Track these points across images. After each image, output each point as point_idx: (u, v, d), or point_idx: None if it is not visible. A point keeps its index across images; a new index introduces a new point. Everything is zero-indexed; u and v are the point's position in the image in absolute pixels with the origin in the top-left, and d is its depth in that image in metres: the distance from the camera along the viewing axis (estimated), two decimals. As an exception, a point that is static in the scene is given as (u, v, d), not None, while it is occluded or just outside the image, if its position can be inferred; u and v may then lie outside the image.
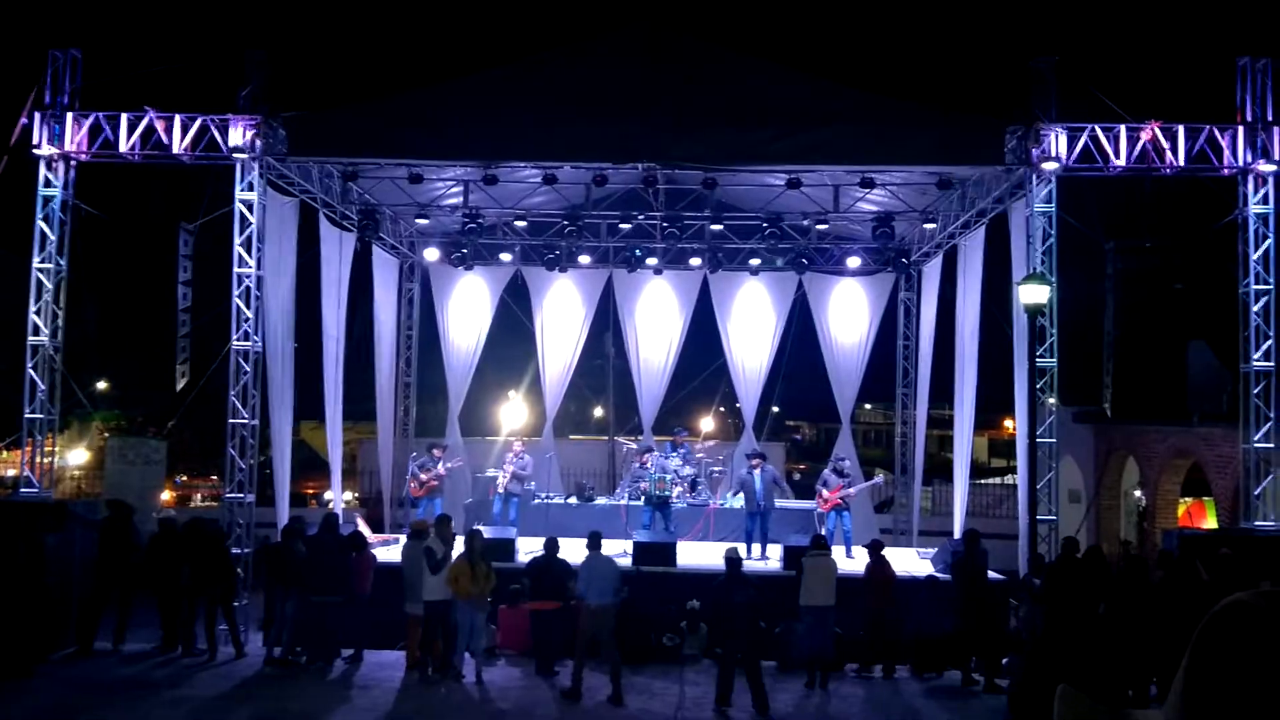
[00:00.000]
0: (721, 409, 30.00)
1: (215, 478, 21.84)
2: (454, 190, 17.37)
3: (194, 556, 12.65)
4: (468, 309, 20.79)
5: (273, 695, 10.97)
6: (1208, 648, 0.91)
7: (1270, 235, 13.69)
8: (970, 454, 17.71)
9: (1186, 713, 0.92)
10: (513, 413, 22.67)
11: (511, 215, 17.83)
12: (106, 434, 20.13)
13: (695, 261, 19.41)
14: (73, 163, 14.64)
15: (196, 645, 12.58)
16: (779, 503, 16.94)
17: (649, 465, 17.14)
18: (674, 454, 18.47)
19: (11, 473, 22.37)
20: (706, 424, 26.85)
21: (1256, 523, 13.46)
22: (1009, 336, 14.70)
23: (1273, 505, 13.75)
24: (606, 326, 21.62)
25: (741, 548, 13.44)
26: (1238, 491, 14.57)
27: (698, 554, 15.31)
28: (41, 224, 14.60)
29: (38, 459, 14.46)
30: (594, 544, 11.78)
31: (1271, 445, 13.68)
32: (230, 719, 10.20)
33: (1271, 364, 13.69)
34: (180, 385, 14.99)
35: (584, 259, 19.51)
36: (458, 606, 11.61)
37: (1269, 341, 13.66)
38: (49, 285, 14.58)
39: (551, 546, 12.37)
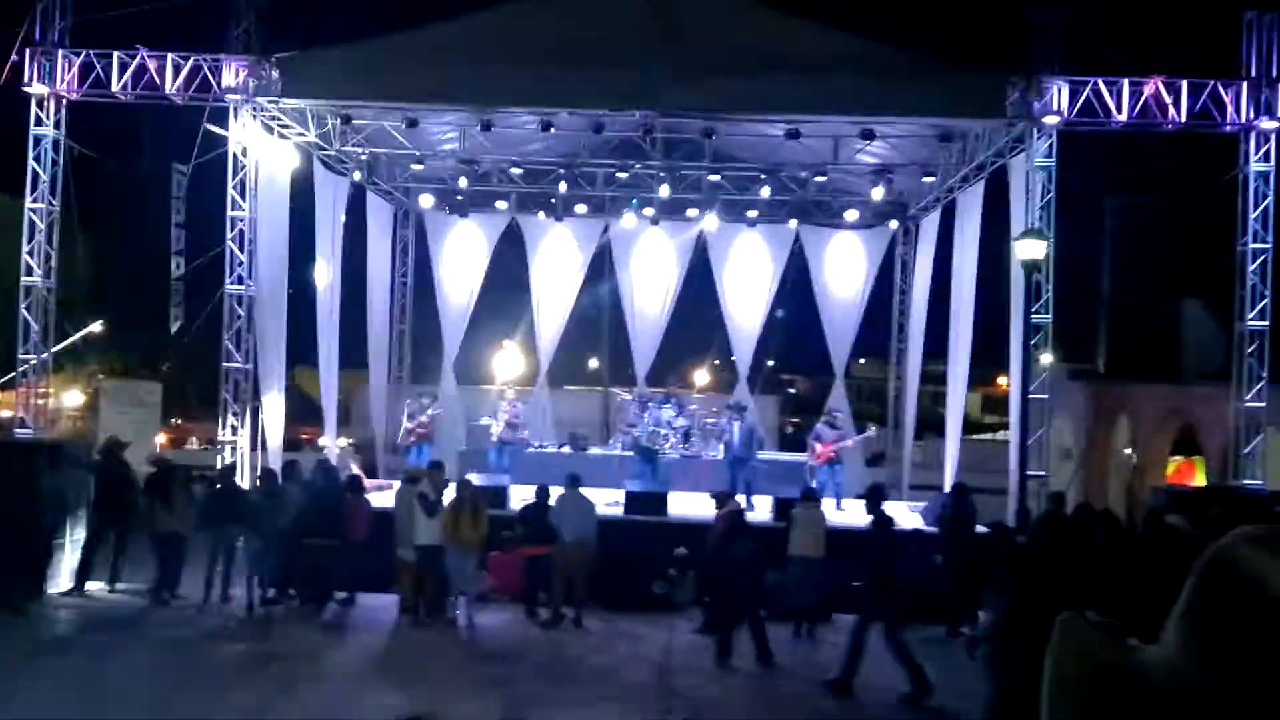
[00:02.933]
0: (716, 361, 30.04)
1: (210, 421, 21.90)
2: (450, 136, 17.20)
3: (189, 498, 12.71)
4: (462, 257, 20.68)
5: (266, 636, 11.09)
6: (1213, 580, 0.91)
7: (1270, 194, 13.63)
8: (963, 409, 17.77)
9: (1189, 646, 0.91)
10: (507, 362, 22.66)
11: (507, 162, 17.67)
12: (100, 376, 20.13)
13: (692, 212, 19.30)
14: (64, 101, 14.48)
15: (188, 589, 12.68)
16: (771, 455, 17.02)
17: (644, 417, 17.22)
18: (667, 405, 18.53)
19: (6, 414, 22.38)
20: (701, 376, 26.91)
21: (1245, 481, 13.57)
22: (1005, 292, 14.69)
23: (1262, 465, 13.86)
24: (602, 276, 21.54)
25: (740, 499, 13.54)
26: (1228, 450, 14.66)
27: (690, 504, 15.41)
28: (33, 163, 14.48)
29: (32, 400, 14.48)
30: (571, 484, 12.16)
31: (1263, 405, 13.75)
32: (223, 658, 10.32)
33: (1266, 323, 13.71)
34: (175, 328, 14.97)
35: (580, 208, 19.39)
36: (449, 552, 11.72)
37: (1265, 300, 13.67)
38: (41, 225, 14.50)
39: (543, 494, 12.48)
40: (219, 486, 13.09)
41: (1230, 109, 13.44)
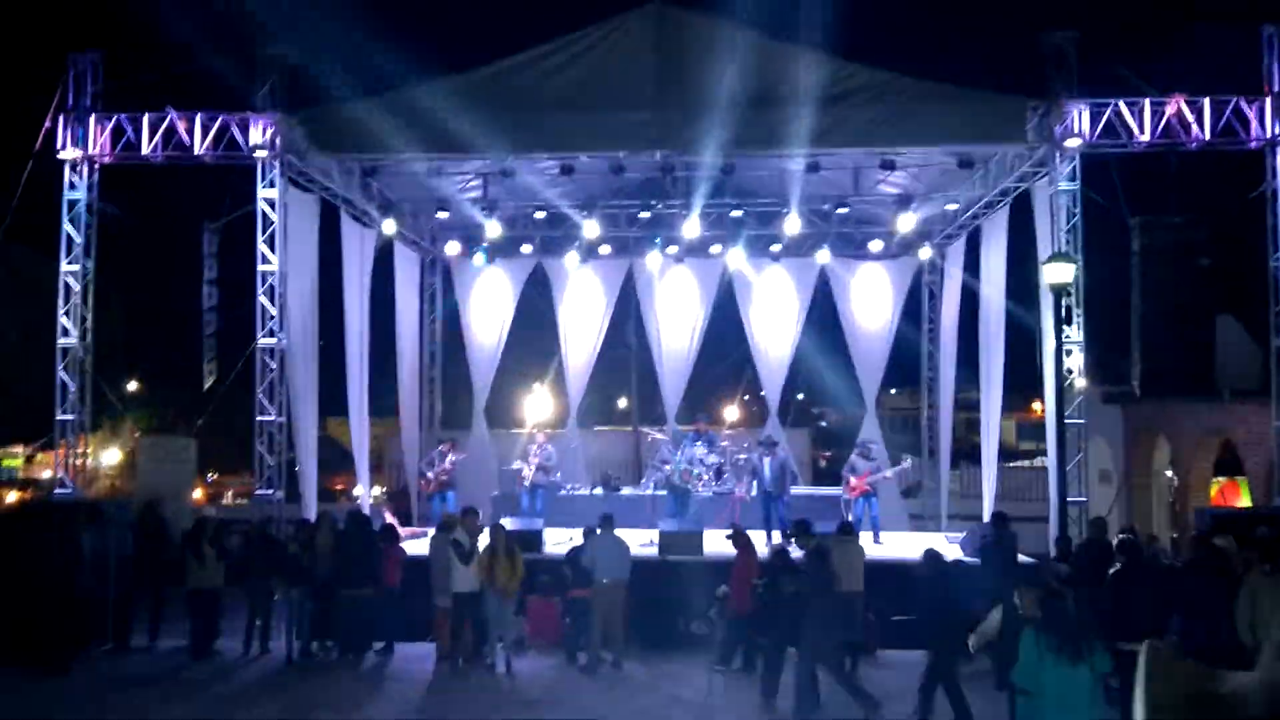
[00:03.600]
0: (745, 397, 29.97)
1: (244, 475, 22.06)
2: (473, 183, 17.40)
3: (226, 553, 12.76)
4: (490, 302, 20.85)
5: (305, 689, 11.07)
6: None
7: (1300, 207, 13.48)
8: (998, 436, 17.59)
9: None
10: (537, 404, 22.72)
11: (531, 207, 17.83)
12: (138, 433, 20.39)
13: (716, 248, 19.34)
14: (96, 165, 14.79)
15: (227, 642, 12.70)
16: (804, 490, 16.88)
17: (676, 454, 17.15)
18: (698, 442, 18.45)
19: (47, 474, 22.72)
20: (731, 412, 26.83)
21: (1291, 500, 13.29)
22: (1035, 317, 14.56)
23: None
24: (628, 316, 21.61)
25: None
26: (1271, 469, 14.37)
27: (725, 543, 15.28)
28: (68, 227, 14.78)
29: (71, 460, 14.66)
30: (604, 525, 12.08)
31: (1305, 421, 13.50)
32: (263, 713, 10.30)
33: (1303, 339, 13.50)
34: (208, 383, 15.14)
35: (604, 249, 19.50)
36: (486, 598, 11.68)
37: (1300, 315, 13.47)
38: (76, 288, 14.76)
39: (591, 536, 12.45)
40: (253, 539, 13.15)
41: (1254, 124, 13.34)
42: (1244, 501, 18.65)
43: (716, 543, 14.94)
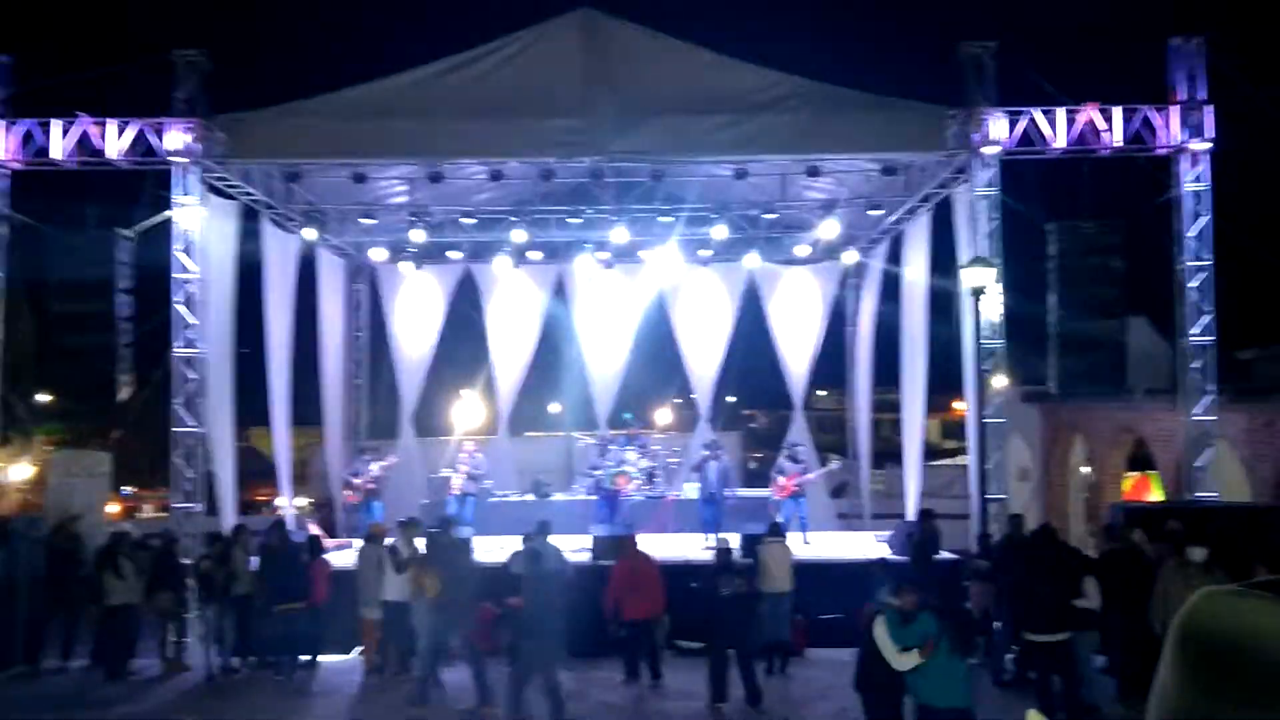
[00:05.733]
0: (677, 400, 30.08)
1: (163, 489, 21.48)
2: (399, 189, 17.19)
3: (142, 570, 12.41)
4: (417, 308, 20.60)
5: (232, 705, 10.81)
6: (1189, 647, 0.85)
7: (1206, 212, 14.00)
8: (922, 436, 17.93)
9: None
10: (467, 411, 22.51)
11: (459, 212, 17.68)
12: (49, 447, 19.71)
13: (646, 254, 19.39)
14: (5, 171, 14.28)
15: (142, 661, 12.35)
16: (736, 492, 17.01)
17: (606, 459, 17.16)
18: (629, 447, 18.48)
19: (-48, 490, 21.73)
20: (662, 416, 26.92)
21: (1199, 494, 13.78)
22: (956, 319, 14.89)
23: (1215, 477, 14.10)
24: (559, 322, 21.54)
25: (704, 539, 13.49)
26: (1180, 464, 14.90)
27: (657, 546, 15.31)
28: (-26, 235, 14.22)
29: (-23, 475, 14.08)
30: (540, 531, 12.05)
31: (1213, 418, 14.01)
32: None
33: (1210, 339, 14.01)
34: (123, 395, 14.68)
35: (534, 254, 19.42)
36: (415, 608, 11.53)
37: (1207, 316, 13.98)
38: (-16, 297, 14.21)
39: (528, 542, 12.36)
40: (168, 553, 12.81)
41: (1162, 132, 13.82)
42: (1156, 496, 19.30)
43: (649, 546, 14.98)
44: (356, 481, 16.79)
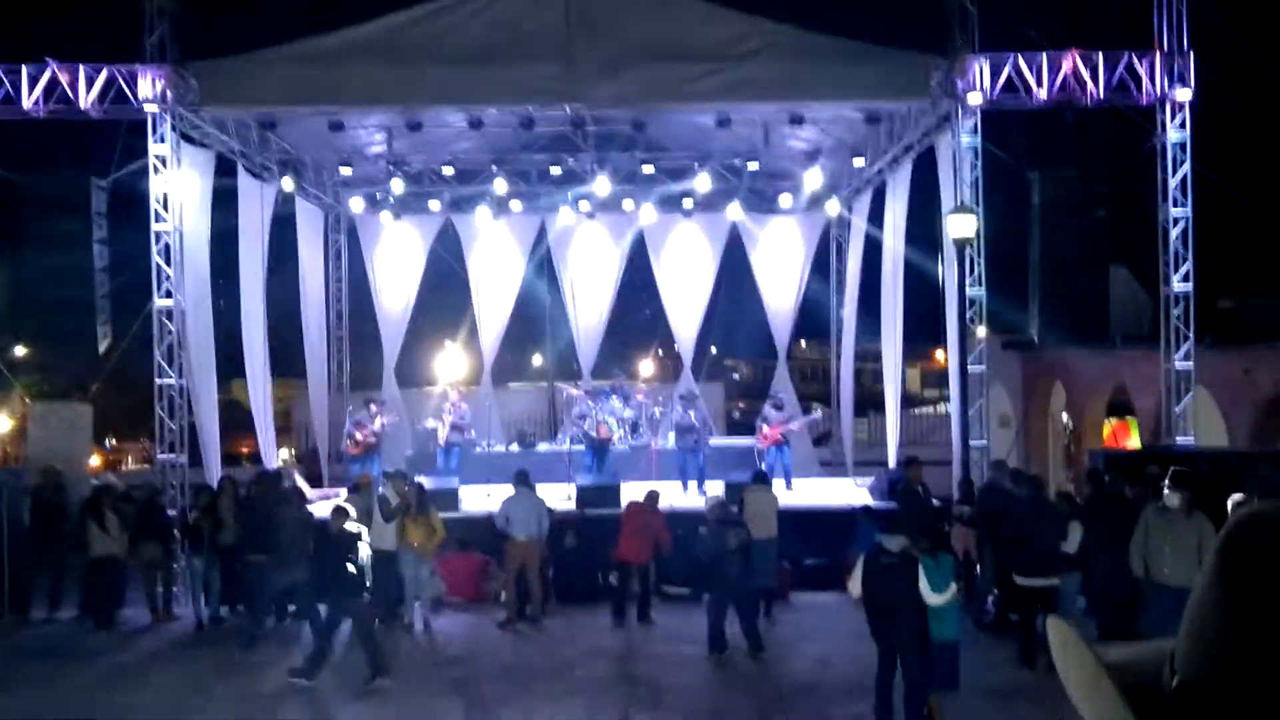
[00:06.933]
0: (660, 351, 30.15)
1: (145, 440, 21.40)
2: (377, 138, 16.97)
3: (128, 521, 12.41)
4: (398, 259, 20.45)
5: (214, 654, 10.88)
6: (1235, 564, 0.85)
7: (1187, 161, 14.01)
8: (902, 385, 18.05)
9: (1216, 641, 0.85)
10: (450, 362, 22.48)
11: (438, 162, 17.49)
12: (29, 400, 19.54)
13: (629, 204, 19.29)
14: (-26, 120, 13.97)
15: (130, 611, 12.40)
16: (720, 440, 17.13)
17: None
18: (613, 397, 18.53)
19: (-69, 445, 21.62)
20: (646, 367, 26.98)
21: (1178, 439, 13.97)
22: (939, 268, 14.93)
23: (1193, 423, 14.28)
24: (542, 272, 21.45)
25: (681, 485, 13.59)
26: (1159, 410, 15.08)
27: (642, 495, 15.42)
28: (-55, 185, 13.96)
29: (-43, 429, 13.98)
30: (519, 481, 12.15)
31: (1191, 365, 14.16)
32: (171, 678, 10.10)
33: (1190, 286, 14.11)
34: (103, 347, 14.56)
35: (515, 205, 19.26)
36: (402, 558, 11.61)
37: (1187, 264, 14.06)
38: (-43, 249, 13.99)
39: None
40: (152, 505, 12.80)
41: (1146, 81, 13.76)
42: (1134, 442, 19.56)
43: (634, 495, 15.10)
44: (359, 435, 16.63)
